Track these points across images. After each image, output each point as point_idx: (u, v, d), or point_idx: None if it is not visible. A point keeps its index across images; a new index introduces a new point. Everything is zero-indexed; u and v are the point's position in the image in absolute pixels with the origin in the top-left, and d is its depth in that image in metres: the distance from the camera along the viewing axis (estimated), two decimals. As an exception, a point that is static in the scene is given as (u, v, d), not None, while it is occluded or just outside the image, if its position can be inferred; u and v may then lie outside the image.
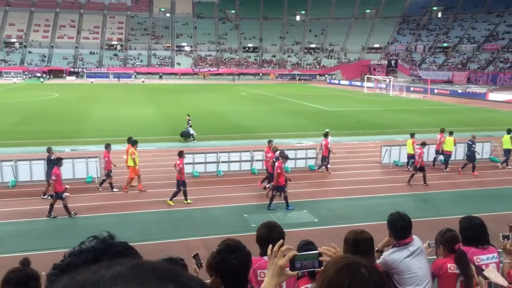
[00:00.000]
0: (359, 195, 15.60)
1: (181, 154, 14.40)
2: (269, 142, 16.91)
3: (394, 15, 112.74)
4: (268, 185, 15.20)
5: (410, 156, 18.82)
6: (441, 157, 19.83)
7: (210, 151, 18.83)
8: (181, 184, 14.12)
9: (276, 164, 13.90)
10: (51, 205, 13.07)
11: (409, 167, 18.78)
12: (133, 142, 15.90)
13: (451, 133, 19.32)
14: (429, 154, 19.62)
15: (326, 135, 18.65)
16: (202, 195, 15.22)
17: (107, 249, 1.16)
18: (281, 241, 2.29)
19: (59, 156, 14.82)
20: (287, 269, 2.21)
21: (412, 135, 19.19)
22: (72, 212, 13.13)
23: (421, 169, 16.66)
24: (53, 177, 13.01)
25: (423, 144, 17.27)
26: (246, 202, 14.69)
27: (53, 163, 13.71)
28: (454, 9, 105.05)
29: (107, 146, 15.88)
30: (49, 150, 15.53)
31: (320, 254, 2.02)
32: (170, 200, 14.18)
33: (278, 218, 12.29)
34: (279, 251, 2.16)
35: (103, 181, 15.78)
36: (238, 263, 3.03)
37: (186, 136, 24.74)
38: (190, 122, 25.04)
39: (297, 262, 2.16)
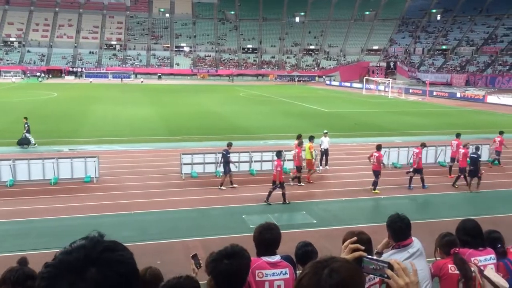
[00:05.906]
0: (357, 196, 15.62)
1: (379, 147, 16.10)
2: (457, 135, 18.68)
3: (393, 17, 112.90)
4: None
5: None
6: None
7: (209, 152, 18.82)
8: (378, 174, 15.74)
9: (417, 151, 16.51)
10: (276, 192, 14.38)
11: None
12: (310, 138, 17.63)
13: None
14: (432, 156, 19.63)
15: (501, 132, 20.41)
16: (201, 196, 15.21)
17: (97, 245, 1.22)
18: (355, 238, 2.28)
19: (280, 149, 15.87)
20: None
21: None
22: (287, 200, 14.40)
23: None
24: (278, 168, 14.33)
25: None
26: (245, 203, 14.67)
27: (276, 155, 15.09)
28: (453, 11, 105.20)
29: (300, 144, 17.20)
30: (229, 145, 16.47)
31: (390, 266, 1.86)
32: (374, 190, 15.71)
33: (277, 219, 12.28)
34: (348, 247, 2.16)
35: (296, 177, 16.91)
36: (230, 269, 2.91)
37: (24, 143, 22.05)
38: (26, 126, 21.95)
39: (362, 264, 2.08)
